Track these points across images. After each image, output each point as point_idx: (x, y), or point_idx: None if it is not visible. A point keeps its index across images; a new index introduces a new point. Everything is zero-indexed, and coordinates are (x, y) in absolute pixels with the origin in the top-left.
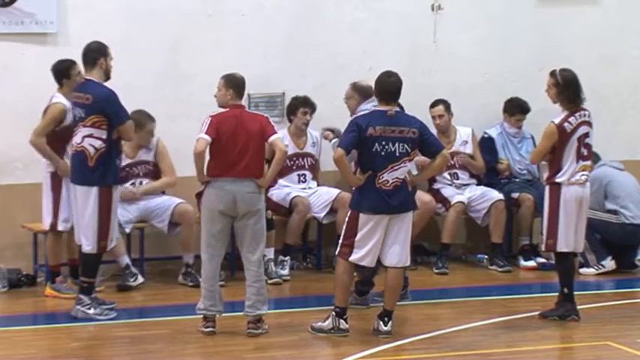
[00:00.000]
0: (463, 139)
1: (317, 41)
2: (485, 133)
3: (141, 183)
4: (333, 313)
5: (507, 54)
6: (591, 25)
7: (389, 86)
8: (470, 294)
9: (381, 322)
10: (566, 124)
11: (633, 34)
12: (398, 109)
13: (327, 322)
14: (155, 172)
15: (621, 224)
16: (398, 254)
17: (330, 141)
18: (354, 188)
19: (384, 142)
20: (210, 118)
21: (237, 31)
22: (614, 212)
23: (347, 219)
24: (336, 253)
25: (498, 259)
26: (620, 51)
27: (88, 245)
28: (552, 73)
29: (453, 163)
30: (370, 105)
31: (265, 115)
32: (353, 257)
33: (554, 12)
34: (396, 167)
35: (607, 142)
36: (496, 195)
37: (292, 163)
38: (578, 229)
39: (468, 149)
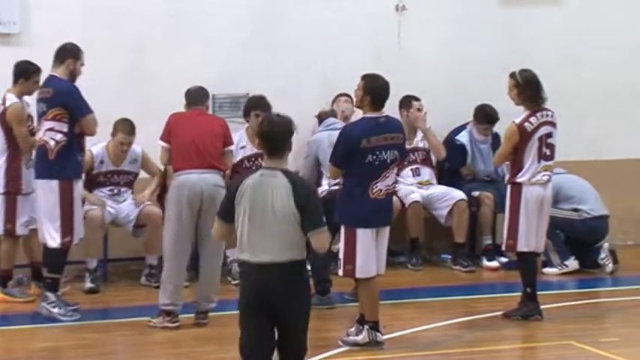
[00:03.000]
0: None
1: (281, 42)
2: (457, 140)
3: (119, 192)
4: (367, 327)
5: (471, 54)
6: (554, 25)
7: (384, 92)
8: (433, 294)
9: (378, 333)
10: (527, 124)
11: (596, 35)
12: (385, 113)
13: (361, 336)
14: (133, 183)
15: (583, 220)
16: (384, 261)
17: None
18: (341, 201)
19: (377, 152)
20: (167, 120)
21: (200, 31)
22: (575, 210)
23: (343, 237)
24: (341, 274)
25: (462, 259)
26: (583, 52)
27: (51, 240)
28: (512, 75)
29: (414, 158)
30: (323, 127)
31: (224, 120)
32: (360, 274)
33: (518, 13)
34: (387, 175)
35: (569, 143)
36: (458, 194)
37: (251, 163)
38: (539, 230)
39: (426, 146)
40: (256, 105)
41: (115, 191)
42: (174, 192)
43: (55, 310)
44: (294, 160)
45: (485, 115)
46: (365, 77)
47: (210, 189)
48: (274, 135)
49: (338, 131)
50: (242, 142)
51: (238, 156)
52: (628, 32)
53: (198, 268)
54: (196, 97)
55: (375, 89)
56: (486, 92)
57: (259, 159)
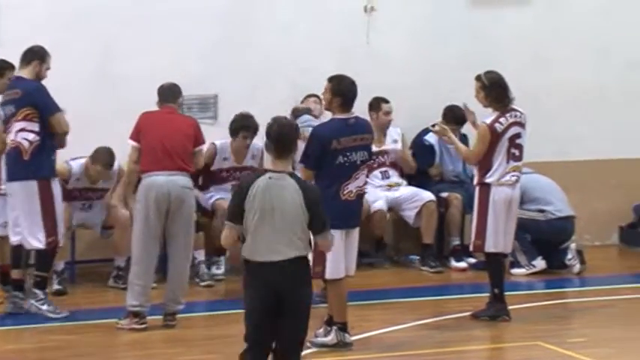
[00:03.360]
0: (393, 137)
1: (250, 42)
2: (426, 140)
3: (90, 205)
4: (336, 328)
5: (440, 55)
6: (523, 26)
7: (351, 93)
8: (402, 295)
9: (346, 334)
10: (497, 125)
11: (565, 35)
12: (354, 114)
13: (330, 337)
14: (106, 193)
15: (548, 221)
16: (354, 263)
17: None
18: None
19: (347, 153)
20: (137, 119)
21: (169, 32)
22: (541, 211)
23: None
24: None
25: (430, 259)
26: (552, 52)
27: (37, 242)
28: (478, 77)
29: (383, 161)
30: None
31: (196, 119)
32: (329, 275)
33: (487, 13)
34: (358, 176)
35: (538, 144)
36: (427, 195)
37: (229, 174)
38: (507, 230)
39: (398, 147)
40: (246, 126)
41: (87, 205)
42: (142, 193)
43: (44, 307)
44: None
45: (454, 116)
46: (331, 79)
47: (178, 191)
48: (283, 138)
49: None
50: (225, 154)
51: (218, 165)
52: (597, 33)
53: (166, 270)
54: (169, 93)
55: (341, 91)
56: (455, 93)
57: (238, 172)
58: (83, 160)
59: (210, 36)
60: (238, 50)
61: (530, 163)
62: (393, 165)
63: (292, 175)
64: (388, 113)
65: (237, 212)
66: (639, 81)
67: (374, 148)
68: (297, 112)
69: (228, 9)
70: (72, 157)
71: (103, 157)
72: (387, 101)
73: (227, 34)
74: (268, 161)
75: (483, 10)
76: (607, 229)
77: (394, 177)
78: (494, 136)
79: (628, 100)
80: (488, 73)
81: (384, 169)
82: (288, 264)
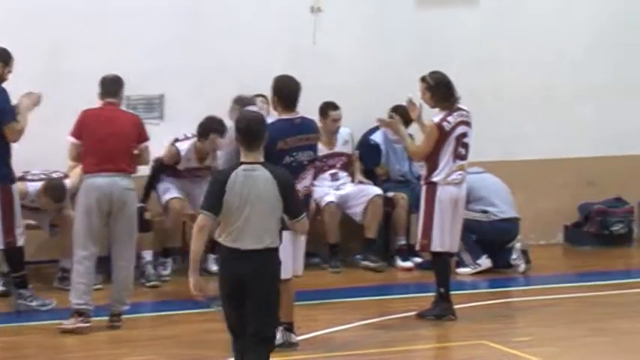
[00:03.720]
0: (344, 138)
1: (197, 42)
2: (372, 139)
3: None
4: (282, 328)
5: (387, 56)
6: (471, 27)
7: (291, 93)
8: (347, 295)
9: (292, 334)
10: (445, 123)
11: (511, 36)
12: (300, 114)
13: (277, 337)
14: None
15: (491, 222)
16: (302, 263)
17: None
18: None
19: (294, 153)
20: (79, 116)
21: (116, 31)
22: (484, 212)
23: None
24: None
25: (371, 255)
26: (498, 53)
27: None
28: (423, 79)
29: (333, 163)
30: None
31: (139, 116)
32: (283, 275)
33: (434, 14)
34: (304, 176)
35: (484, 143)
36: (374, 190)
37: (191, 174)
38: (454, 229)
39: (348, 149)
40: (216, 129)
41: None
42: (84, 195)
43: (34, 304)
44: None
45: (400, 116)
46: (274, 80)
47: (120, 192)
48: (252, 131)
49: None
50: (189, 155)
51: (182, 163)
52: (542, 34)
53: (111, 271)
54: (112, 87)
55: (281, 91)
56: (401, 92)
57: (200, 171)
58: (36, 185)
59: (157, 35)
60: (185, 50)
61: (476, 162)
62: (344, 167)
63: (265, 165)
64: (336, 120)
65: (214, 202)
66: (586, 81)
67: (325, 151)
68: (244, 101)
69: (176, 8)
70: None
71: (53, 192)
72: (335, 108)
73: (174, 34)
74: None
75: (430, 10)
76: (552, 229)
77: (343, 179)
78: (442, 134)
79: (574, 100)
80: (432, 73)
81: (333, 171)
82: (257, 254)
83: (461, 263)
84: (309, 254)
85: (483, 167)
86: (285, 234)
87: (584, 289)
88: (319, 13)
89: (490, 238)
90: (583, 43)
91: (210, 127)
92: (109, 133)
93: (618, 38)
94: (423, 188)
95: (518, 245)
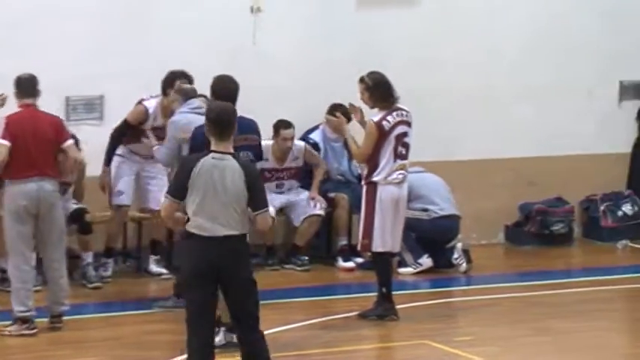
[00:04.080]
0: (295, 155)
1: (138, 42)
2: (310, 138)
3: None
4: (224, 329)
5: (327, 56)
6: (410, 27)
7: (232, 93)
8: (289, 295)
9: (234, 335)
10: (384, 123)
11: (451, 37)
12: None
13: (218, 338)
14: None
15: (432, 220)
16: None
17: None
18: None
19: None
20: (5, 121)
21: (56, 31)
22: (425, 210)
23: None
24: None
25: (297, 258)
26: (438, 54)
27: None
28: (361, 79)
29: (282, 175)
30: (187, 108)
31: (59, 117)
32: None
33: (374, 14)
34: None
35: (423, 144)
36: (316, 210)
37: (153, 135)
38: (395, 229)
39: (298, 163)
40: (179, 76)
41: None
42: (11, 201)
43: None
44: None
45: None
46: (213, 79)
47: (47, 195)
48: (222, 121)
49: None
50: (156, 112)
51: (149, 122)
52: (483, 35)
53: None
54: (30, 87)
55: (220, 91)
56: (342, 94)
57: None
58: None
59: (98, 36)
60: (126, 50)
61: (416, 162)
62: (292, 176)
63: (234, 155)
64: (287, 139)
65: (179, 188)
66: (524, 82)
67: (274, 165)
68: (185, 93)
69: (116, 9)
70: None
71: None
72: (287, 126)
73: (114, 34)
74: None
75: (371, 11)
76: (493, 228)
77: (290, 185)
78: (381, 133)
79: (514, 100)
80: (371, 74)
81: (281, 181)
82: (228, 240)
83: (402, 263)
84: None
85: (423, 167)
86: None
87: (524, 288)
88: (259, 13)
89: (431, 236)
90: (521, 43)
91: (173, 76)
92: (32, 137)
93: (557, 39)
94: (364, 188)
95: (459, 245)
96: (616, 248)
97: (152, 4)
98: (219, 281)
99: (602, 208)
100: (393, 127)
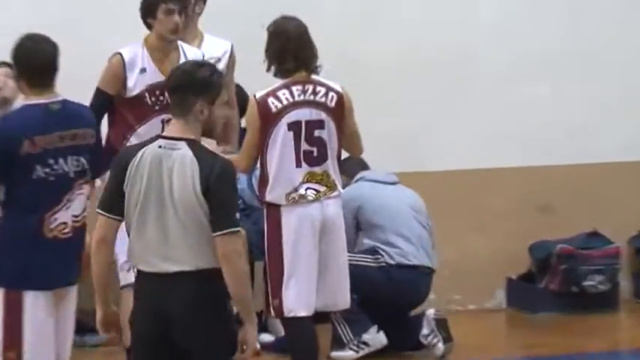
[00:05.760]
0: None
1: None
2: None
3: None
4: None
5: None
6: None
7: (41, 60)
8: None
9: None
10: (271, 101)
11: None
12: (61, 96)
13: None
14: None
15: (383, 269)
16: (69, 343)
17: None
18: None
19: (51, 161)
20: None
21: None
22: (374, 252)
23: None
24: None
25: None
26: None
27: None
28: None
29: None
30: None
31: None
32: None
33: None
34: (71, 198)
35: (371, 145)
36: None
37: (155, 98)
38: (321, 279)
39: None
40: None
41: None
42: None
43: None
44: None
45: None
46: (13, 46)
47: None
48: (179, 85)
49: None
50: (143, 63)
51: (136, 89)
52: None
53: None
54: None
55: (23, 58)
56: None
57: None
58: None
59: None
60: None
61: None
62: None
63: (191, 142)
64: None
65: (112, 197)
66: (529, 49)
67: None
68: None
69: None
70: None
71: None
72: None
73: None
74: None
75: None
76: (487, 284)
77: None
78: (265, 119)
79: (515, 77)
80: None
81: None
82: (181, 280)
83: (336, 343)
84: None
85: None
86: (39, 297)
87: None
88: None
89: (384, 297)
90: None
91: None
92: None
93: None
94: (264, 212)
95: (430, 312)
96: None
97: None
98: (175, 348)
99: None
100: (285, 110)
